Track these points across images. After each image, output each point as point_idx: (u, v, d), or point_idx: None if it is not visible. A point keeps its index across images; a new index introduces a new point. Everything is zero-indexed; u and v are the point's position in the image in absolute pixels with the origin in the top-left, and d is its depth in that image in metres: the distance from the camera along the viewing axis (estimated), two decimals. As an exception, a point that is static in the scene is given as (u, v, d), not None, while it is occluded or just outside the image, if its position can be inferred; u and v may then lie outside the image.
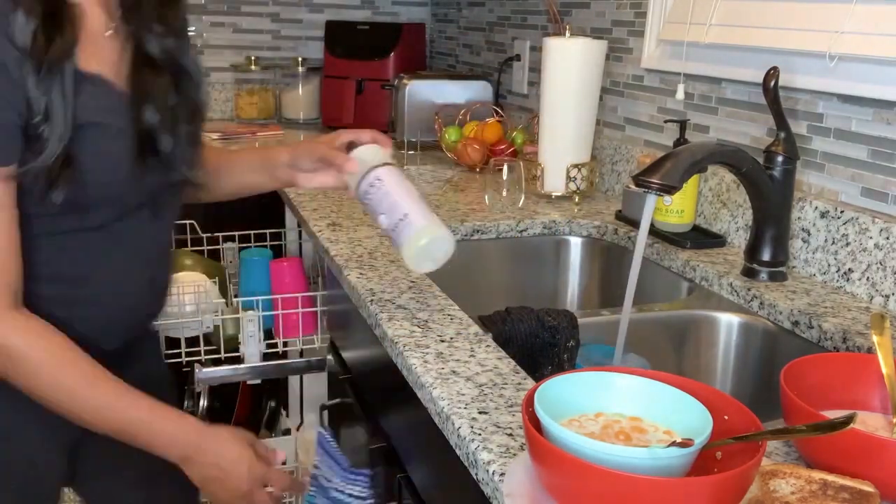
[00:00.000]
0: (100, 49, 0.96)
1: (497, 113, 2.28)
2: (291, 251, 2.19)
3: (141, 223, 1.04)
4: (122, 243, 1.03)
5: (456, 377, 0.94)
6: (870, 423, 0.84)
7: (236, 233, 2.13)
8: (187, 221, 2.16)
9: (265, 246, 2.06)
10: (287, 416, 2.24)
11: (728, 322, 1.28)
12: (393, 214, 1.05)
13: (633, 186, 1.55)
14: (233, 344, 1.80)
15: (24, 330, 0.92)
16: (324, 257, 1.49)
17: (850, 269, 1.26)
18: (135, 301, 1.08)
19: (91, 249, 1.00)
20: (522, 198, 1.67)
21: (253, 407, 2.41)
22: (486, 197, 1.68)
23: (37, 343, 0.93)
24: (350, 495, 1.26)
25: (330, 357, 1.65)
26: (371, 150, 1.12)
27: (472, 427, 0.83)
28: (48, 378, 0.93)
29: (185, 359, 1.74)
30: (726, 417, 0.74)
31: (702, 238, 1.49)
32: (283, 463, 1.10)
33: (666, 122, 1.69)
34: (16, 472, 1.04)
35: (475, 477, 0.81)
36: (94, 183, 0.94)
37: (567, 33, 1.73)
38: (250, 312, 1.73)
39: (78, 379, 0.95)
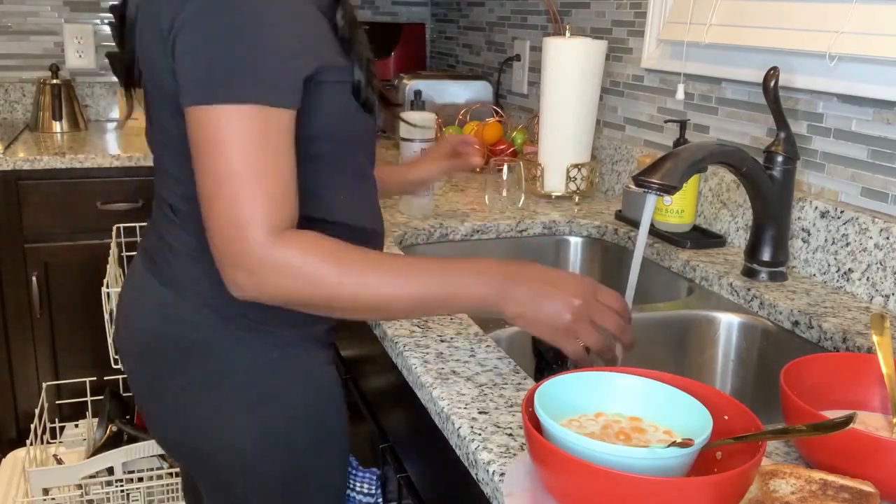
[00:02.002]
0: None
1: (497, 113, 2.28)
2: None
3: None
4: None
5: (456, 377, 0.94)
6: (870, 423, 0.84)
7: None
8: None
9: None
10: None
11: (728, 322, 1.28)
12: None
13: (633, 186, 1.55)
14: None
15: (301, 243, 0.87)
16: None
17: (850, 269, 1.26)
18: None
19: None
20: (522, 197, 1.67)
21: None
22: (486, 197, 1.68)
23: (320, 251, 0.88)
24: (359, 492, 1.26)
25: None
26: None
27: (472, 427, 0.83)
28: (347, 283, 0.88)
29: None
30: (726, 417, 0.74)
31: (702, 238, 1.49)
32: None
33: (666, 122, 1.69)
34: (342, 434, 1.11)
35: (475, 477, 0.81)
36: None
37: (567, 33, 1.73)
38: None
39: (381, 271, 0.90)
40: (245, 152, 0.85)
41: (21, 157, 2.19)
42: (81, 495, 1.76)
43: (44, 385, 2.08)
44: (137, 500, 1.80)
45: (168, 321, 1.02)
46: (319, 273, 0.87)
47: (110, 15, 1.15)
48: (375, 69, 1.00)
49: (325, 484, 1.11)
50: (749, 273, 1.31)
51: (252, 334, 1.00)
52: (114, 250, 1.96)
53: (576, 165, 1.74)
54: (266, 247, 0.85)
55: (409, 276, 0.90)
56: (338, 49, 0.95)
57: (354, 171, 1.03)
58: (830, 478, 0.72)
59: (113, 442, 1.85)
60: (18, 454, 2.02)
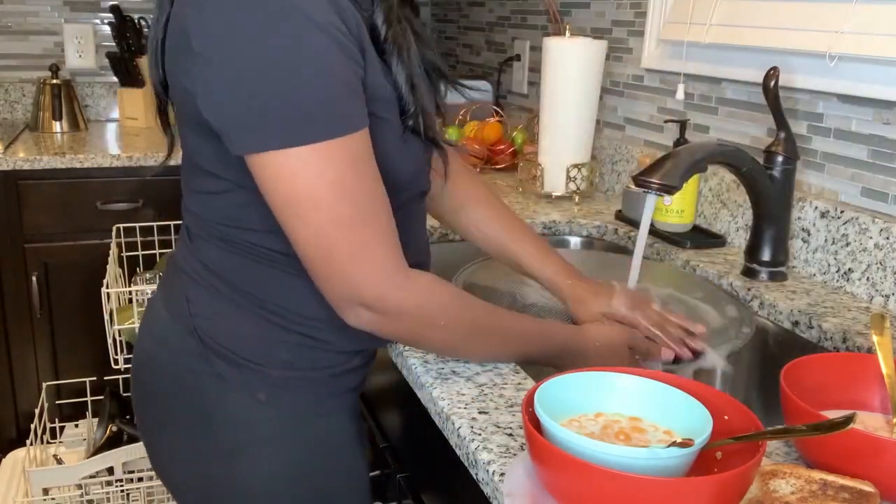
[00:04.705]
0: None
1: (497, 113, 2.28)
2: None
3: None
4: None
5: (456, 377, 0.94)
6: (870, 423, 0.84)
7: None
8: (187, 221, 2.16)
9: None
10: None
11: (728, 322, 1.28)
12: None
13: (633, 186, 1.55)
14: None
15: (433, 289, 0.88)
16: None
17: (850, 269, 1.26)
18: None
19: None
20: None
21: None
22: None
23: (443, 298, 0.89)
24: None
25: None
26: None
27: (472, 427, 0.83)
28: (458, 326, 0.91)
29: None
30: (726, 417, 0.74)
31: (702, 238, 1.49)
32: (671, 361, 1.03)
33: (666, 122, 1.69)
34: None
35: (475, 477, 0.81)
36: None
37: (567, 33, 1.73)
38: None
39: (482, 319, 0.93)
40: (346, 194, 0.78)
41: (21, 157, 2.20)
42: (81, 495, 1.76)
43: (44, 385, 2.08)
44: (137, 500, 1.80)
45: (161, 344, 0.96)
46: (449, 326, 0.89)
47: (110, 15, 1.12)
48: (428, 93, 0.90)
49: None
50: (749, 273, 1.31)
51: (236, 370, 0.91)
52: (114, 250, 1.96)
53: (576, 165, 1.74)
54: (402, 291, 0.83)
55: (515, 341, 0.95)
56: (381, 69, 0.84)
57: (401, 213, 0.90)
58: (830, 478, 0.72)
59: (113, 442, 1.84)
60: (18, 454, 2.02)
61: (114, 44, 2.66)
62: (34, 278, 2.25)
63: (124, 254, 2.11)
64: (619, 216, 1.64)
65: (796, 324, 1.18)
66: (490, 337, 0.94)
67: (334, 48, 0.77)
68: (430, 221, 1.12)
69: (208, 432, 0.93)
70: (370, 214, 0.80)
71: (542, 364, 0.99)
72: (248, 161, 0.79)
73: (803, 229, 1.34)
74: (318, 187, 0.77)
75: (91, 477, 1.74)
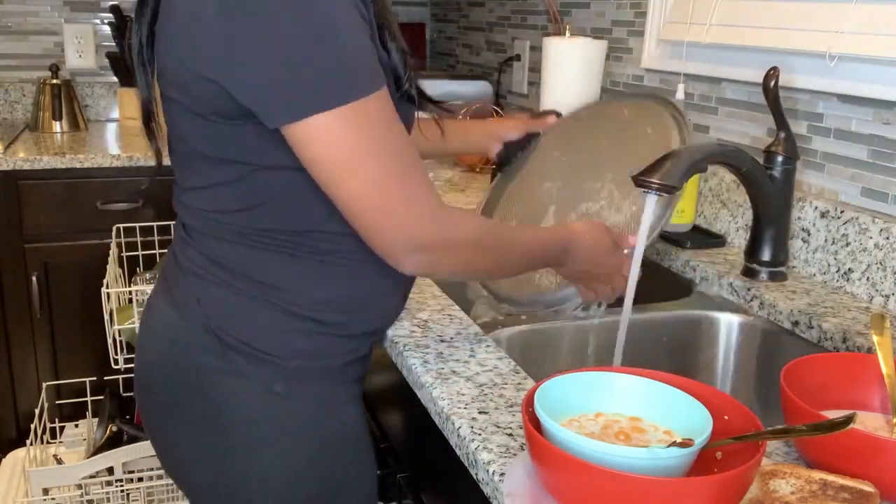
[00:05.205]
0: None
1: (497, 113, 2.28)
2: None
3: None
4: None
5: (456, 377, 0.94)
6: (870, 423, 0.84)
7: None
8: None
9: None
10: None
11: (728, 322, 1.28)
12: None
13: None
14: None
15: (470, 220, 0.95)
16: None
17: (850, 269, 1.26)
18: None
19: None
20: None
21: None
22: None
23: (477, 227, 0.97)
24: None
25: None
26: None
27: (472, 427, 0.83)
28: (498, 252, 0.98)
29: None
30: (726, 417, 0.74)
31: (702, 238, 1.49)
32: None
33: (666, 122, 1.68)
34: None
35: (475, 477, 0.81)
36: None
37: (567, 33, 1.73)
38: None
39: (505, 239, 1.00)
40: (389, 145, 0.83)
41: (21, 157, 2.20)
42: (81, 495, 1.76)
43: (44, 385, 2.08)
44: (137, 500, 1.80)
45: (171, 344, 0.96)
46: (491, 247, 0.96)
47: (110, 15, 1.13)
48: (411, 59, 0.94)
49: None
50: (749, 273, 1.31)
51: (253, 364, 0.92)
52: (114, 250, 1.96)
53: (576, 165, 1.74)
54: (452, 227, 0.89)
55: (533, 252, 1.03)
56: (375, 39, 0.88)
57: None
58: (830, 478, 0.72)
59: (113, 442, 1.84)
60: (18, 454, 2.02)
61: (114, 44, 2.66)
62: (34, 278, 2.25)
63: (124, 254, 2.11)
64: (619, 216, 1.64)
65: (796, 324, 1.18)
66: (516, 251, 1.00)
67: (353, 11, 0.82)
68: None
69: (225, 429, 0.94)
70: (410, 162, 0.85)
71: (549, 266, 1.08)
72: (289, 132, 0.82)
73: (803, 229, 1.34)
74: (366, 143, 0.82)
75: (91, 477, 1.74)
